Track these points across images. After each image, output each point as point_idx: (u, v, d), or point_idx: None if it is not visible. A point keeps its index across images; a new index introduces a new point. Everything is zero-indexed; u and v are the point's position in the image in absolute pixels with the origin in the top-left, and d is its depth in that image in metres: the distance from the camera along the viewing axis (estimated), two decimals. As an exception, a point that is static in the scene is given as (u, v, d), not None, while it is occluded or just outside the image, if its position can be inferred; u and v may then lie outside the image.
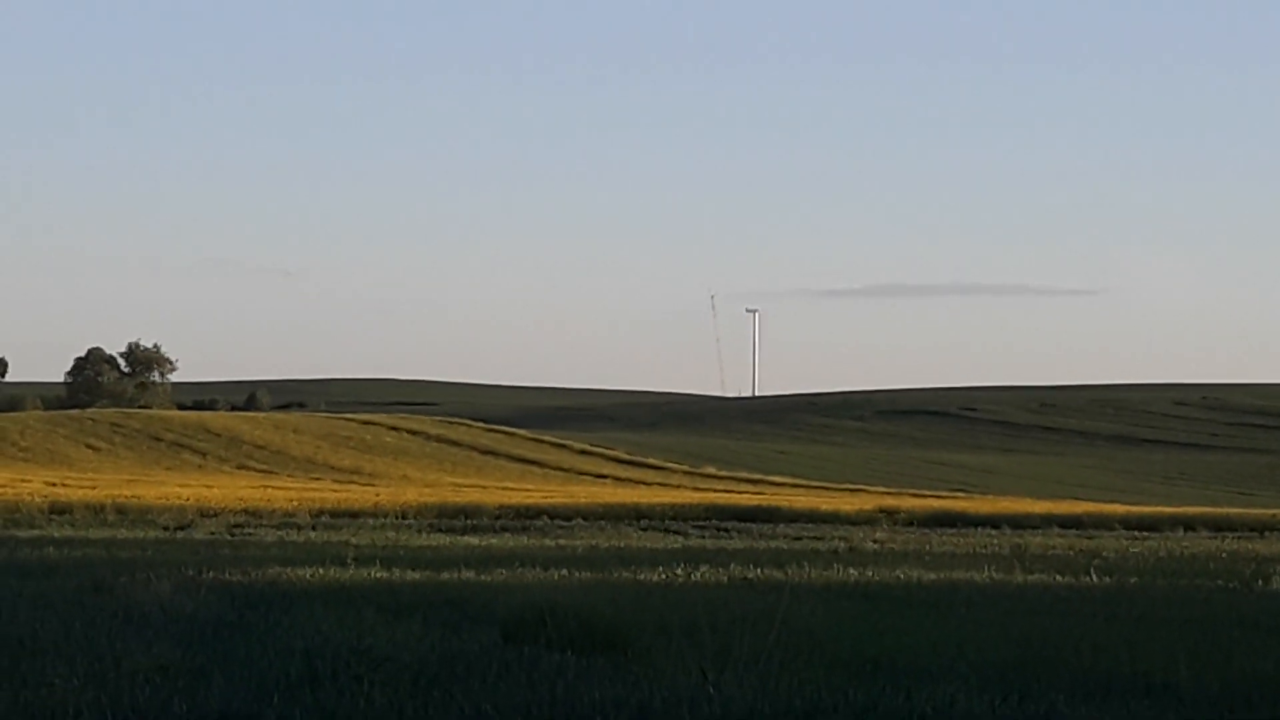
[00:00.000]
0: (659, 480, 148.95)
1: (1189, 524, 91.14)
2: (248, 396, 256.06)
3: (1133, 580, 43.40)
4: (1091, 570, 46.88)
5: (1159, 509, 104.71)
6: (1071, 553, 56.92)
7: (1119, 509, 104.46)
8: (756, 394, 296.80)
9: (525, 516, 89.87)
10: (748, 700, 18.69)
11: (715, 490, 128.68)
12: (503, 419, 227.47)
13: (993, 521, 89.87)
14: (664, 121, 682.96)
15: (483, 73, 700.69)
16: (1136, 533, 79.35)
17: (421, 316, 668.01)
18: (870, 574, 43.26)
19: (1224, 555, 56.85)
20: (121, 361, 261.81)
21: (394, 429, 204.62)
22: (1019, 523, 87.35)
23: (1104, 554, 56.23)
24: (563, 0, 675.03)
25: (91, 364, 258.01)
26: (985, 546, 60.38)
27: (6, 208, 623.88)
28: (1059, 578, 43.43)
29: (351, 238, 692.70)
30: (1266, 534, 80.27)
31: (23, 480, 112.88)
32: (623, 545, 59.55)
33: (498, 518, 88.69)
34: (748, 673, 22.11)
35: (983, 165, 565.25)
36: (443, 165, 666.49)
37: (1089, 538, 70.58)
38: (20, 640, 25.35)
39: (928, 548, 60.60)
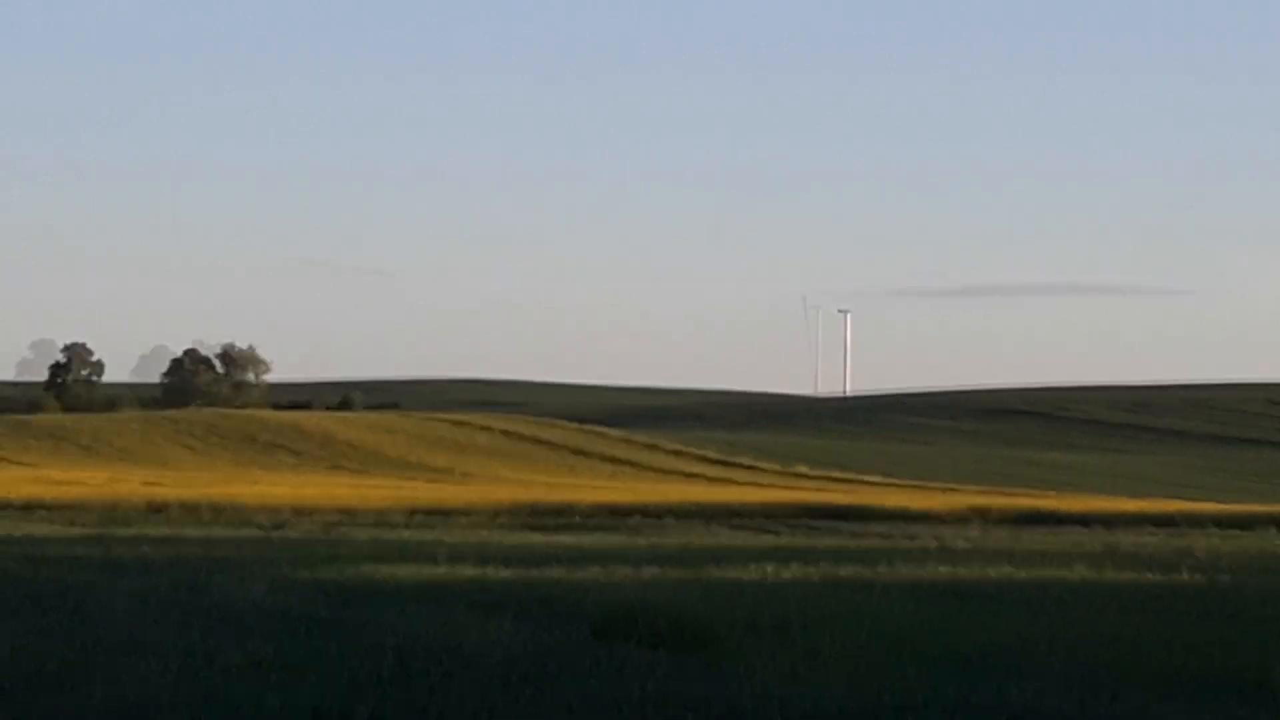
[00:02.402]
0: (750, 480, 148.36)
1: (1237, 523, 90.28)
2: (341, 398, 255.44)
3: (1225, 579, 42.74)
4: (1183, 568, 46.21)
5: (1252, 507, 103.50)
6: (1163, 551, 56.54)
7: (1211, 507, 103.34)
8: (848, 394, 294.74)
9: (617, 515, 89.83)
10: (837, 697, 18.24)
11: (806, 489, 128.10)
12: (594, 419, 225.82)
13: (1084, 520, 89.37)
14: (755, 123, 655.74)
15: (571, 74, 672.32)
16: (1229, 531, 78.65)
17: (515, 316, 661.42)
18: (961, 572, 43.07)
19: None
20: (217, 363, 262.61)
21: (486, 429, 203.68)
22: (1110, 521, 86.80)
23: (1196, 552, 55.63)
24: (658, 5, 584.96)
25: (188, 365, 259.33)
26: (1076, 545, 60.06)
27: (105, 209, 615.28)
28: (1150, 576, 43.07)
29: (445, 238, 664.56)
30: None
31: (121, 480, 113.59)
32: (714, 544, 59.56)
33: (590, 516, 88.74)
34: (838, 670, 21.74)
35: (1075, 165, 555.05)
36: (535, 166, 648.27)
37: (1181, 536, 70.06)
38: (117, 637, 24.89)
39: (1018, 546, 60.20)
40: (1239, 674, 22.61)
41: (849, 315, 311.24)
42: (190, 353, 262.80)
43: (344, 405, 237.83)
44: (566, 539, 61.67)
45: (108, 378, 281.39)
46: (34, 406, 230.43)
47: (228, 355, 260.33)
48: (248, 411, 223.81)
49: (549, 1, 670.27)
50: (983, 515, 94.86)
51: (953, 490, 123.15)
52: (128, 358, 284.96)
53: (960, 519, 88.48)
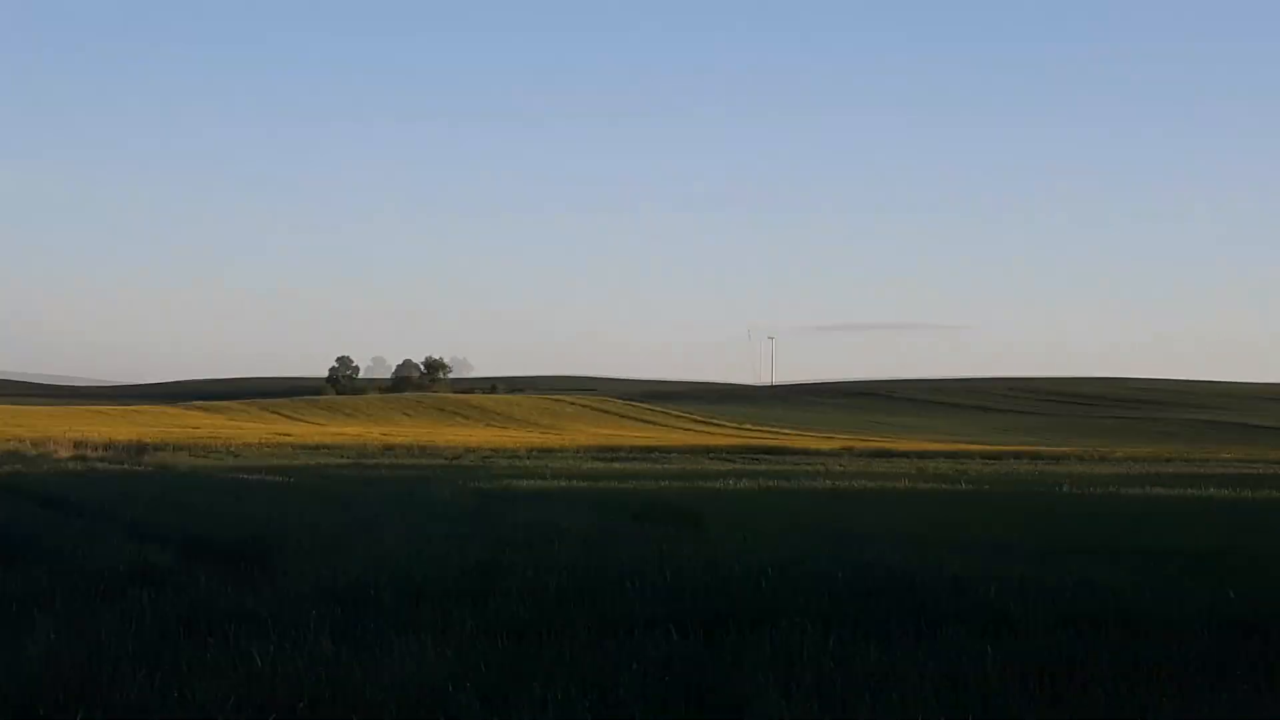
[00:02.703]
0: (720, 431, 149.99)
1: (1016, 456, 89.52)
2: (491, 386, 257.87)
3: (985, 487, 44.32)
4: (962, 481, 48.17)
5: (998, 447, 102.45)
6: (950, 472, 56.28)
7: (977, 447, 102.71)
8: (774, 384, 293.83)
9: (645, 451, 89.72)
10: (768, 554, 20.08)
11: (751, 437, 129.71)
12: (632, 397, 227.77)
13: (907, 455, 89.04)
14: (710, 209, 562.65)
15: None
16: (987, 461, 78.08)
17: (585, 341, 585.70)
18: (838, 484, 46.52)
19: (1037, 474, 55.96)
20: (422, 366, 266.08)
21: (572, 403, 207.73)
22: (922, 455, 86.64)
23: (969, 473, 55.38)
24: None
25: (405, 368, 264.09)
26: (903, 469, 59.89)
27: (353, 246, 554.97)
28: (944, 486, 46.84)
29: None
30: (1060, 460, 79.32)
31: (367, 432, 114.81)
32: (699, 468, 60.69)
33: (631, 452, 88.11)
34: (767, 539, 24.26)
35: (910, 235, 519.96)
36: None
37: (961, 464, 69.42)
38: (367, 518, 26.87)
39: (870, 469, 60.22)
40: (991, 537, 25.35)
41: (774, 339, 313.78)
42: (408, 361, 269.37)
43: (493, 390, 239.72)
44: (617, 465, 62.42)
45: (361, 376, 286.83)
46: (320, 391, 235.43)
47: (429, 362, 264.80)
48: (439, 394, 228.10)
49: (483, 54, 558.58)
50: (850, 451, 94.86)
51: (833, 438, 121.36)
52: (371, 363, 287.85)
53: (837, 454, 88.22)
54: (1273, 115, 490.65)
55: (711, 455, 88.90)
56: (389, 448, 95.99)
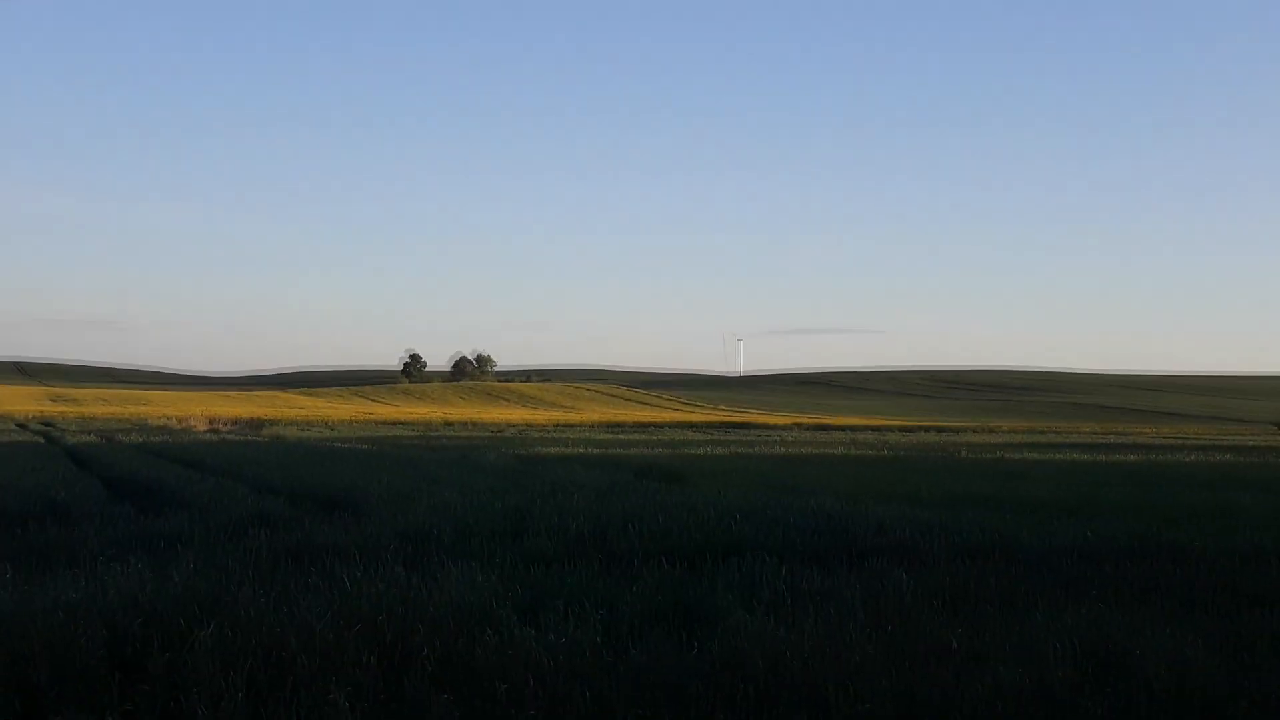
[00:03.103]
0: (700, 410, 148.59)
1: (926, 429, 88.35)
2: (526, 376, 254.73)
3: (902, 454, 43.67)
4: (885, 449, 46.23)
5: (913, 422, 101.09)
6: (875, 442, 55.45)
7: (896, 422, 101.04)
8: (741, 374, 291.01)
9: (642, 426, 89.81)
10: (735, 504, 19.84)
11: (724, 415, 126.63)
12: (632, 385, 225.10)
13: (842, 429, 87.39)
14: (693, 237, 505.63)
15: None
16: (904, 433, 76.87)
17: (597, 344, 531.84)
18: (790, 451, 44.41)
19: (941, 443, 55.31)
20: (474, 360, 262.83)
21: (588, 389, 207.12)
22: (855, 429, 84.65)
23: (890, 443, 54.91)
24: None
25: (461, 363, 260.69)
26: (840, 440, 58.89)
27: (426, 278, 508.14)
28: (870, 452, 45.18)
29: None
30: (958, 433, 78.23)
31: (432, 412, 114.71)
32: (684, 438, 60.75)
33: (631, 427, 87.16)
34: (736, 491, 24.22)
35: (841, 255, 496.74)
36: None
37: (884, 436, 68.47)
38: (430, 477, 27.31)
39: (815, 440, 59.26)
40: (905, 490, 25.09)
41: (742, 341, 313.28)
42: (464, 358, 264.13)
43: (526, 379, 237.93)
44: (621, 437, 62.04)
45: (428, 369, 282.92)
46: (395, 380, 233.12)
47: (479, 356, 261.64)
48: (486, 382, 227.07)
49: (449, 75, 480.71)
50: (799, 426, 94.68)
51: (785, 416, 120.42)
52: (435, 358, 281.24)
53: (789, 428, 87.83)
54: (1139, 113, 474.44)
55: (693, 429, 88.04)
56: (448, 423, 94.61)
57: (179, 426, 73.14)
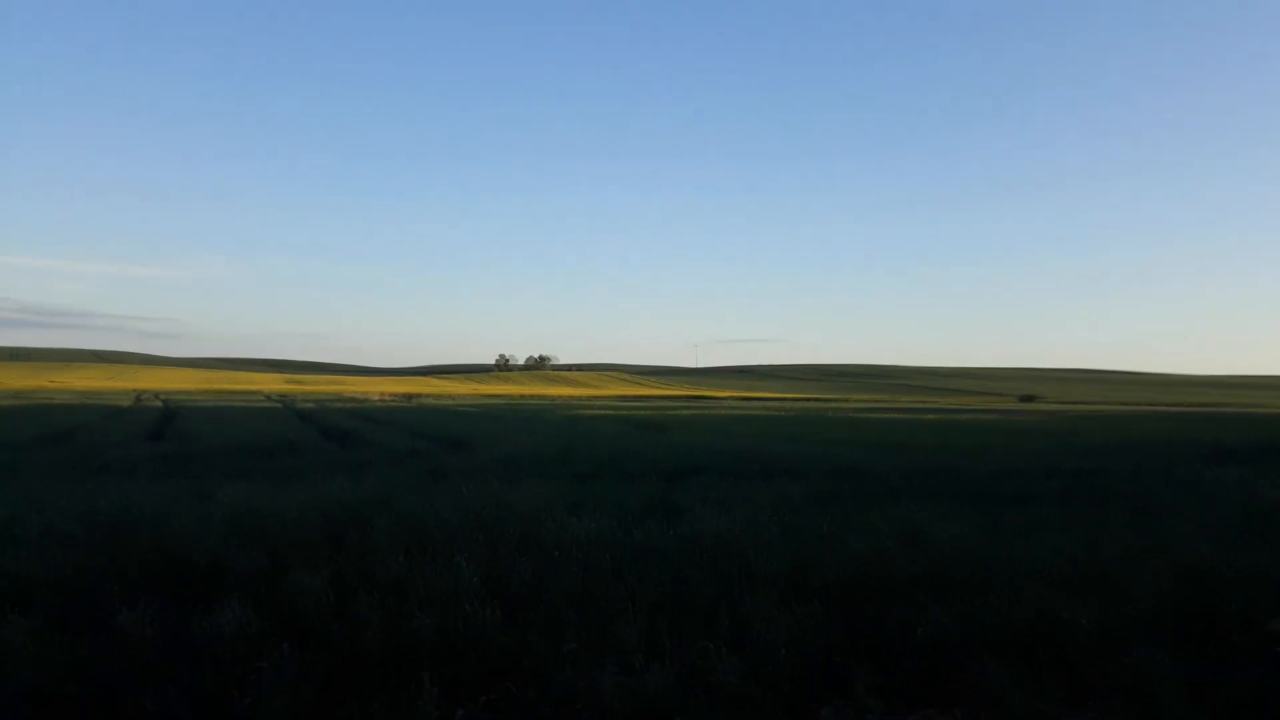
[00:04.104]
0: (675, 388, 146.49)
1: (814, 400, 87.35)
2: (570, 367, 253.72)
3: (797, 414, 42.27)
4: (789, 412, 45.98)
5: (807, 396, 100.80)
6: (783, 409, 53.89)
7: (796, 396, 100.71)
8: (699, 367, 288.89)
9: (643, 398, 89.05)
10: (697, 444, 20.39)
11: (690, 391, 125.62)
12: (636, 373, 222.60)
13: (764, 400, 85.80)
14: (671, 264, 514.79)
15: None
16: (800, 403, 75.03)
17: (607, 350, 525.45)
18: (731, 412, 45.88)
19: (823, 408, 54.31)
20: (539, 358, 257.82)
21: (609, 376, 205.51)
22: (768, 400, 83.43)
23: (791, 409, 53.64)
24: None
25: (530, 360, 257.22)
26: (760, 408, 57.56)
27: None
28: (779, 413, 44.94)
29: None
30: (832, 403, 76.01)
31: (514, 390, 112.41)
32: (669, 406, 59.52)
33: (636, 398, 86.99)
34: (701, 437, 23.02)
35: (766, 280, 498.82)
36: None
37: (788, 404, 66.55)
38: (514, 427, 26.00)
39: (746, 407, 57.92)
40: (797, 436, 25.08)
41: (699, 345, 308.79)
42: (533, 356, 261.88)
43: (571, 369, 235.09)
44: (629, 404, 61.90)
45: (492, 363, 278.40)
46: (491, 370, 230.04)
47: (541, 357, 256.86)
48: (546, 372, 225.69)
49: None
50: (736, 398, 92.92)
51: (727, 393, 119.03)
52: (516, 356, 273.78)
53: (728, 400, 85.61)
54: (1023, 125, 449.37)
55: (670, 400, 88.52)
56: (524, 397, 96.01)
57: (363, 398, 72.60)
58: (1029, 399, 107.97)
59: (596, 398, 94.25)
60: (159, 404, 48.11)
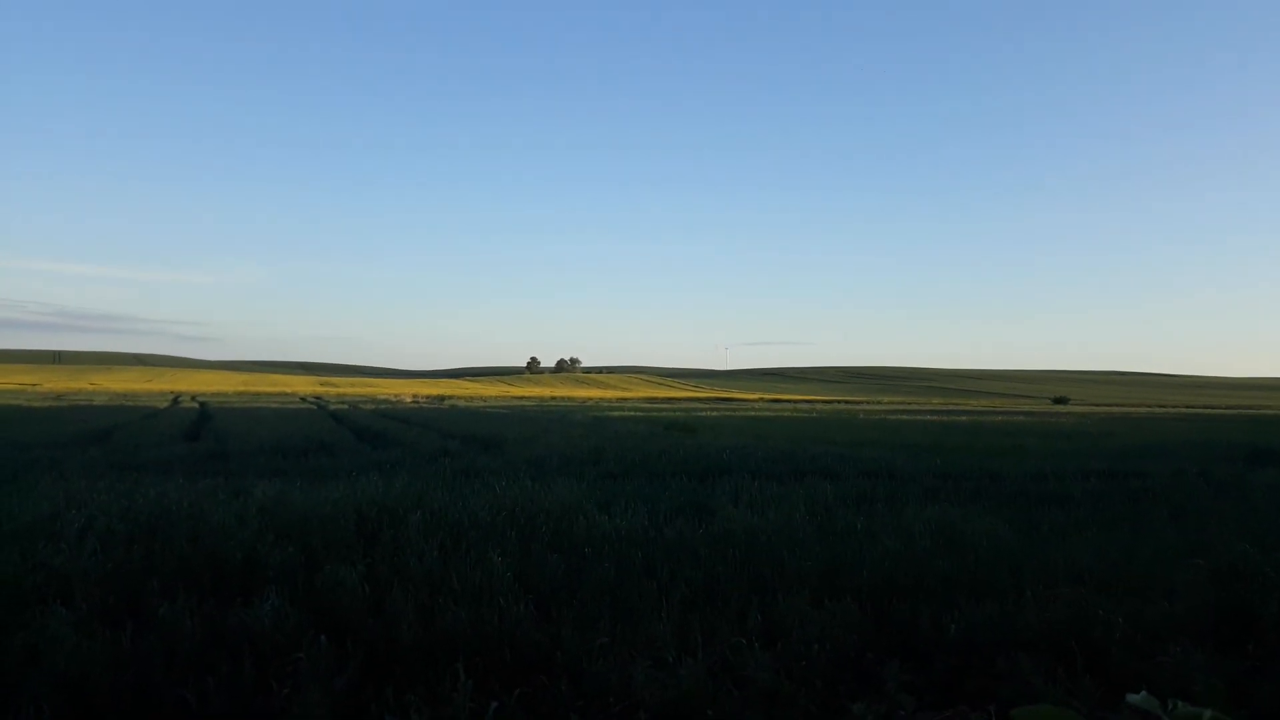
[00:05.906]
0: (705, 391, 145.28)
1: (840, 402, 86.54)
2: (599, 369, 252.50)
3: (825, 416, 42.06)
4: (815, 414, 45.45)
5: (832, 398, 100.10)
6: (810, 410, 53.64)
7: (821, 398, 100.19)
8: (730, 369, 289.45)
9: (670, 400, 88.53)
10: (726, 445, 20.30)
11: (718, 393, 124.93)
12: (663, 375, 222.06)
13: (791, 402, 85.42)
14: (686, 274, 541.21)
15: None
16: (826, 404, 74.48)
17: (628, 356, 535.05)
18: (759, 414, 44.05)
19: (848, 411, 53.74)
20: (569, 360, 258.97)
21: (636, 378, 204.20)
22: (796, 402, 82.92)
23: (817, 410, 53.10)
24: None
25: (560, 362, 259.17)
26: (788, 410, 57.40)
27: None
28: (804, 415, 45.30)
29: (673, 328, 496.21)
30: (858, 405, 75.57)
31: (544, 391, 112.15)
32: (697, 408, 58.56)
33: (663, 400, 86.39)
34: (729, 438, 22.54)
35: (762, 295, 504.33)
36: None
37: (815, 406, 66.22)
38: (544, 428, 26.37)
39: (775, 409, 57.76)
40: (827, 438, 23.63)
41: (729, 348, 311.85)
42: (562, 359, 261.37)
43: (599, 372, 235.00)
44: (656, 406, 60.56)
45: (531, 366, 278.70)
46: (522, 372, 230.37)
47: (570, 359, 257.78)
48: (575, 374, 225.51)
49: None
50: (764, 401, 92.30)
51: (756, 395, 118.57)
52: (546, 359, 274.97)
53: (757, 402, 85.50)
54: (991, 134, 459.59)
55: (699, 402, 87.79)
56: (554, 398, 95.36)
57: (395, 399, 73.06)
58: (1061, 401, 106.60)
59: (625, 399, 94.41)
60: (195, 405, 48.88)
